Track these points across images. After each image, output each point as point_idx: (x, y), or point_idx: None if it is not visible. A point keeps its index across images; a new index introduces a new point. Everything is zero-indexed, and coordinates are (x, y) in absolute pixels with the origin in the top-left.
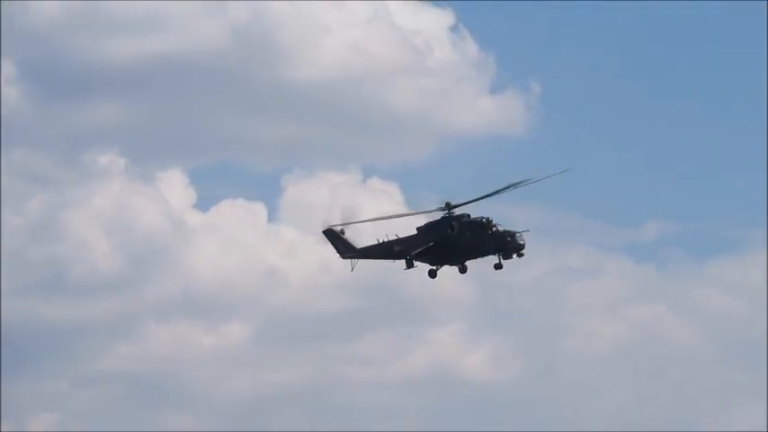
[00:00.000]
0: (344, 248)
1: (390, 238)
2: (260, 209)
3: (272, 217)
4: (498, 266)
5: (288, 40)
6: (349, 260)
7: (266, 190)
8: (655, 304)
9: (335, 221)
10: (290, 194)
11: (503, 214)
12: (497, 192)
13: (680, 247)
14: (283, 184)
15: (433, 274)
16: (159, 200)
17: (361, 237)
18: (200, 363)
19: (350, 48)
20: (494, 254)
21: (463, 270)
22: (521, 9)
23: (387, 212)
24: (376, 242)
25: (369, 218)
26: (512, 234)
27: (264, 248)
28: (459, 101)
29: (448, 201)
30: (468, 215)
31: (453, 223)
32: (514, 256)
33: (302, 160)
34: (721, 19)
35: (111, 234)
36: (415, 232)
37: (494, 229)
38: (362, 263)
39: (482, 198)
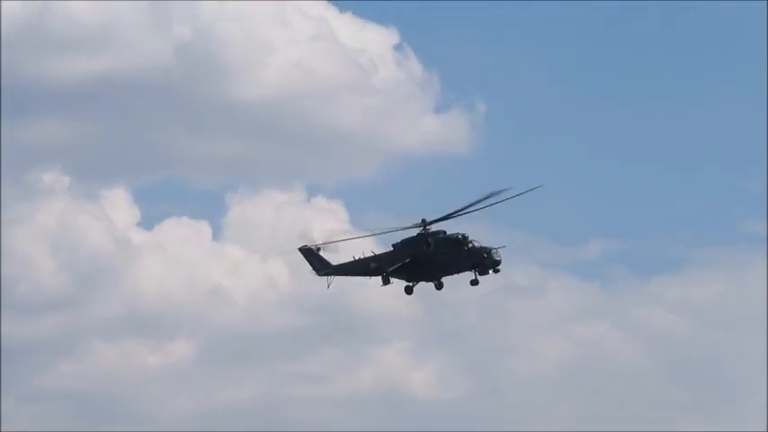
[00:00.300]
0: (320, 266)
1: (366, 255)
2: (204, 227)
3: (216, 235)
4: (474, 282)
5: (232, 58)
6: (325, 277)
7: (211, 208)
8: (599, 322)
9: (311, 240)
10: (234, 213)
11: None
12: (472, 206)
13: (623, 265)
14: (228, 203)
15: (409, 290)
16: (103, 218)
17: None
18: (146, 381)
19: (294, 66)
20: (470, 270)
21: (439, 286)
22: (465, 28)
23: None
24: (352, 259)
25: (346, 236)
26: (488, 250)
27: (209, 267)
28: (404, 120)
29: (424, 217)
30: (444, 232)
31: (429, 240)
32: (491, 271)
33: (247, 178)
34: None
35: (56, 252)
36: (391, 248)
37: (470, 245)
38: (338, 280)
39: (458, 213)
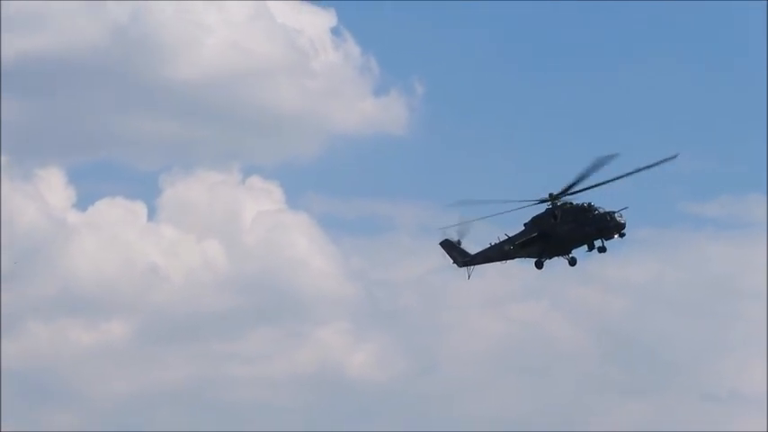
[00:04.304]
0: (461, 257)
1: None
2: (139, 208)
3: (151, 216)
4: (602, 249)
5: (168, 38)
6: (465, 268)
7: (146, 189)
8: (538, 301)
9: (451, 233)
10: (168, 194)
11: None
12: (606, 182)
13: None
14: (162, 184)
15: (539, 265)
16: (38, 198)
17: None
18: (81, 361)
19: (231, 46)
20: (596, 237)
21: (573, 262)
22: (401, 11)
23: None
24: (489, 246)
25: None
26: (611, 214)
27: (144, 247)
28: (342, 102)
29: (551, 192)
30: (571, 203)
31: (556, 212)
32: (616, 236)
33: (182, 159)
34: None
35: None
36: (523, 228)
37: (595, 212)
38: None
39: (586, 188)
